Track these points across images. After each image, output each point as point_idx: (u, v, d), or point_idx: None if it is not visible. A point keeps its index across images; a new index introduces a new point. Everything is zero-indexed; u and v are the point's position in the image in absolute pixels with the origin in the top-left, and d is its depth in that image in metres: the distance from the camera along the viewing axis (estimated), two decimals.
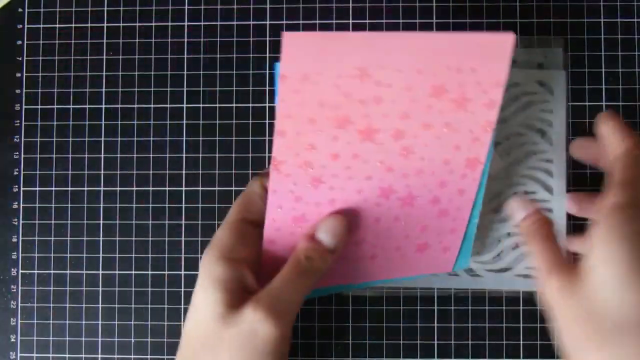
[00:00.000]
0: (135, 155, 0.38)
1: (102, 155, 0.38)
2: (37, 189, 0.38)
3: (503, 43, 0.28)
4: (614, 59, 0.37)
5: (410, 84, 0.28)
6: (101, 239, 0.37)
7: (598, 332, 0.25)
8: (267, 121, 0.37)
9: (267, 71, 0.38)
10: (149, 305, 0.37)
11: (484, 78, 0.29)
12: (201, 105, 0.38)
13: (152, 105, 0.38)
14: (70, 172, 0.38)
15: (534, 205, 0.33)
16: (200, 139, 0.38)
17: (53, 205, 0.38)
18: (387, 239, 0.33)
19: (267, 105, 0.37)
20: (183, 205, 0.37)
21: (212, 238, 0.30)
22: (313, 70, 0.28)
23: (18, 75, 0.38)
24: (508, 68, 0.29)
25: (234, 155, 0.37)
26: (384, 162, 0.30)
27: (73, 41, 0.38)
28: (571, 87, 0.37)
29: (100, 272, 0.37)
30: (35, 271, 0.37)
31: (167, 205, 0.37)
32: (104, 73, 0.38)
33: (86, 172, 0.38)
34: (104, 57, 0.38)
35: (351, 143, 0.29)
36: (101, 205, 0.38)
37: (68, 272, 0.37)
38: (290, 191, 0.30)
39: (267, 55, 0.38)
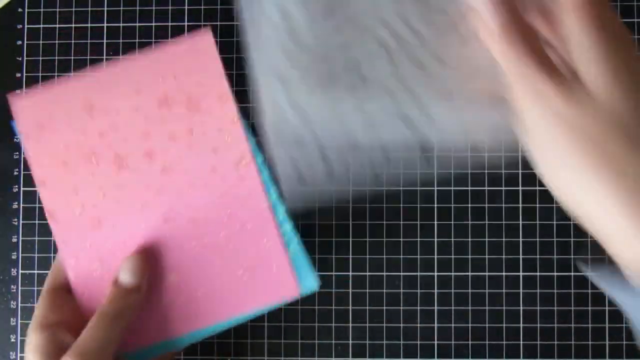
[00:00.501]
0: None
1: None
2: (37, 189, 0.38)
3: (203, 41, 0.31)
4: None
5: (135, 104, 0.31)
6: None
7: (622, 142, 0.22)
8: None
9: None
10: None
11: (202, 77, 0.31)
12: None
13: None
14: None
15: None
16: None
17: None
18: (202, 270, 0.31)
19: None
20: None
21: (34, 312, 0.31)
22: (46, 119, 0.31)
23: (18, 75, 0.38)
24: (219, 61, 0.31)
25: None
26: (150, 186, 0.31)
27: (73, 41, 0.38)
28: None
29: None
30: (35, 271, 0.37)
31: None
32: None
33: None
34: (104, 57, 0.38)
35: (109, 176, 0.31)
36: None
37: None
38: (77, 239, 0.31)
39: None
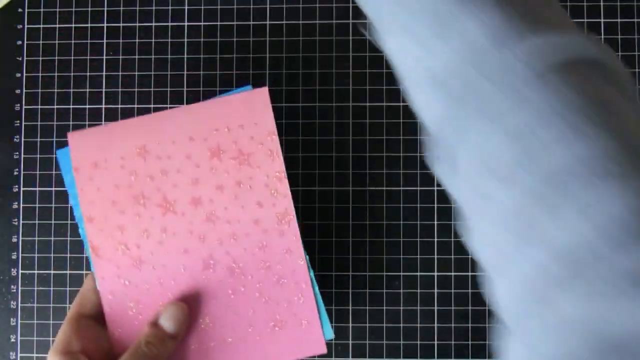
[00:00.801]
0: None
1: None
2: (37, 189, 0.38)
3: (259, 97, 0.32)
4: None
5: (188, 152, 0.32)
6: None
7: None
8: None
9: (267, 71, 0.38)
10: None
11: (255, 131, 0.31)
12: None
13: (152, 105, 0.38)
14: None
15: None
16: None
17: (53, 205, 0.38)
18: (233, 318, 0.32)
19: None
20: None
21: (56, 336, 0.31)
22: (100, 158, 0.31)
23: (18, 75, 0.38)
24: (272, 118, 0.31)
25: None
26: (193, 232, 0.32)
27: (73, 41, 0.38)
28: None
29: None
30: (35, 271, 0.37)
31: None
32: (104, 73, 0.38)
33: None
34: (104, 57, 0.38)
35: (155, 218, 0.31)
36: None
37: (68, 272, 0.37)
38: (117, 276, 0.32)
39: (267, 55, 0.38)
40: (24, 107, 0.38)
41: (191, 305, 0.32)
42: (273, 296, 0.32)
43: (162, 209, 0.31)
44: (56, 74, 0.38)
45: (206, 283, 0.32)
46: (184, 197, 0.31)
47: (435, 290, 0.37)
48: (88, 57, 0.38)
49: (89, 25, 0.38)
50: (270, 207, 0.31)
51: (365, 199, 0.37)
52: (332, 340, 0.33)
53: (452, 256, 0.37)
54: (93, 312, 0.32)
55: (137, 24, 0.38)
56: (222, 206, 0.31)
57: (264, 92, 0.32)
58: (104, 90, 0.38)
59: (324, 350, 0.32)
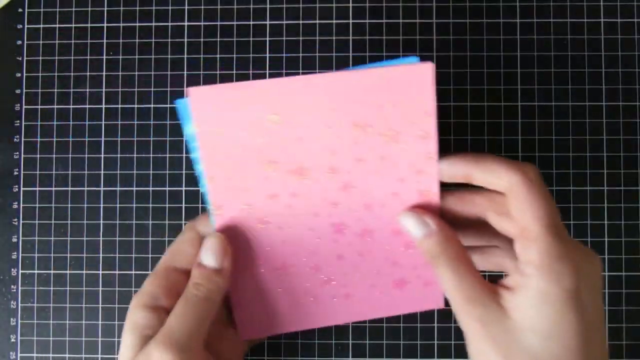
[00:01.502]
0: (135, 155, 0.38)
1: (102, 155, 0.38)
2: (37, 189, 0.38)
3: (422, 72, 0.28)
4: (614, 59, 0.37)
5: (327, 122, 0.29)
6: (101, 239, 0.37)
7: None
8: None
9: (267, 71, 0.38)
10: None
11: (410, 110, 0.29)
12: None
13: (152, 105, 0.38)
14: (70, 172, 0.38)
15: (435, 219, 0.29)
16: None
17: (53, 205, 0.38)
18: (357, 277, 0.32)
19: None
20: (183, 205, 0.37)
21: (142, 286, 0.30)
22: (227, 119, 0.29)
23: (18, 75, 0.38)
24: (433, 97, 0.29)
25: None
26: (326, 198, 0.30)
27: (73, 41, 0.38)
28: (571, 87, 0.37)
29: (100, 272, 0.37)
30: (35, 271, 0.37)
31: (167, 205, 0.37)
32: (104, 73, 0.38)
33: (86, 172, 0.38)
34: (104, 57, 0.38)
35: (284, 182, 0.30)
36: (101, 205, 0.38)
37: (68, 272, 0.37)
38: (239, 235, 0.31)
39: (267, 55, 0.38)
40: (23, 107, 0.38)
41: (316, 265, 0.32)
42: (399, 260, 0.32)
43: (294, 174, 0.30)
44: (56, 74, 0.38)
45: (333, 245, 0.31)
46: (319, 165, 0.30)
47: None
48: (88, 57, 0.38)
49: (89, 25, 0.38)
50: (412, 184, 0.30)
51: None
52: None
53: None
54: (185, 265, 0.31)
55: (137, 24, 0.38)
56: (360, 177, 0.30)
57: (427, 68, 0.28)
58: (104, 90, 0.38)
59: (442, 305, 0.33)
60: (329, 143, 0.29)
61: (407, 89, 0.28)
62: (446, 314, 0.36)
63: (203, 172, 0.30)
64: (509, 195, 0.27)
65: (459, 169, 0.29)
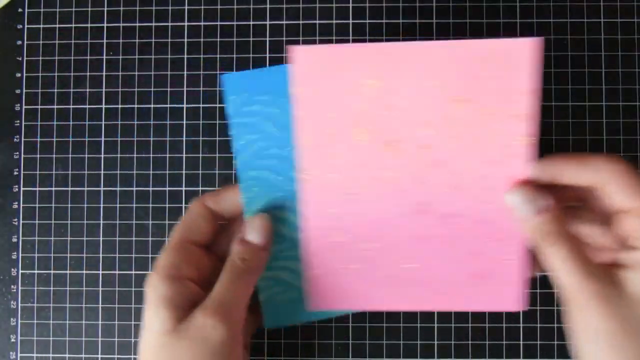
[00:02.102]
0: (135, 155, 0.38)
1: (102, 155, 0.38)
2: (37, 189, 0.38)
3: (526, 49, 0.27)
4: (614, 59, 0.37)
5: (425, 93, 0.28)
6: (101, 238, 0.37)
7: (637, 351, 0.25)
8: None
9: None
10: None
11: (507, 86, 0.28)
12: (201, 105, 0.38)
13: (152, 105, 0.38)
14: (70, 172, 0.38)
15: (547, 196, 0.28)
16: (200, 139, 0.38)
17: (53, 205, 0.38)
18: (436, 262, 0.31)
19: None
20: (183, 205, 0.37)
21: (156, 262, 0.30)
22: (326, 83, 0.29)
23: (18, 75, 0.38)
24: (532, 75, 0.28)
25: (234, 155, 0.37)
26: (413, 174, 0.30)
27: (73, 41, 0.38)
28: (571, 87, 0.37)
29: (101, 272, 0.37)
30: (35, 271, 0.37)
31: (167, 205, 0.37)
32: (104, 73, 0.38)
33: (86, 172, 0.38)
34: (104, 57, 0.38)
35: (374, 153, 0.30)
36: (101, 205, 0.38)
37: (68, 272, 0.37)
38: (324, 204, 0.31)
39: (267, 55, 0.38)
40: (23, 107, 0.38)
41: (396, 243, 0.31)
42: (481, 251, 0.31)
43: (385, 146, 0.29)
44: (56, 74, 0.38)
45: (416, 225, 0.31)
46: (411, 138, 0.29)
47: None
48: (88, 57, 0.38)
49: (89, 25, 0.38)
50: (501, 167, 0.29)
51: None
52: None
53: None
54: (200, 239, 0.32)
55: (137, 24, 0.38)
56: (451, 155, 0.29)
57: (533, 45, 0.27)
58: (104, 90, 0.38)
59: (520, 308, 0.31)
60: (424, 115, 0.29)
61: (507, 65, 0.28)
62: (446, 314, 0.36)
63: (297, 135, 0.30)
64: (609, 184, 0.27)
65: (549, 170, 0.28)
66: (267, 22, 0.38)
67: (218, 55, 0.38)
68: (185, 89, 0.38)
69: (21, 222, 0.38)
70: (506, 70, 0.28)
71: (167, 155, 0.38)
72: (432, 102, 0.29)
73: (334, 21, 0.38)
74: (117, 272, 0.37)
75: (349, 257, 0.32)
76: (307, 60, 0.28)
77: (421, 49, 0.28)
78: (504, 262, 0.31)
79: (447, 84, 0.28)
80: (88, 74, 0.38)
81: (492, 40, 0.28)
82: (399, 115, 0.29)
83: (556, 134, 0.36)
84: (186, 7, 0.38)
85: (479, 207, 0.30)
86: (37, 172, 0.38)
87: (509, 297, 0.31)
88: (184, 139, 0.38)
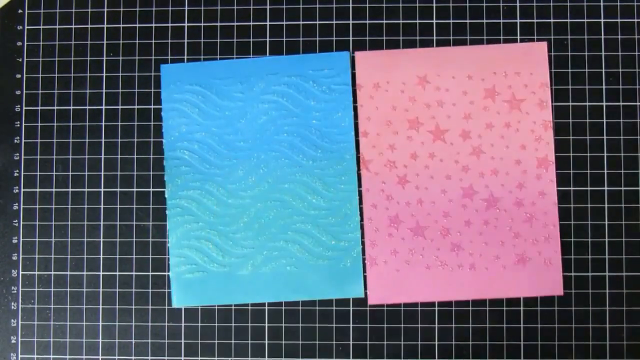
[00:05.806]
0: (135, 156, 0.38)
1: (103, 156, 0.38)
2: (38, 190, 0.38)
3: (539, 49, 0.35)
4: (614, 59, 0.37)
5: (464, 88, 0.35)
6: (102, 240, 0.37)
7: None
8: None
9: None
10: (150, 307, 0.37)
11: (529, 80, 0.35)
12: None
13: (152, 107, 0.38)
14: (70, 173, 0.38)
15: None
16: None
17: (53, 207, 0.38)
18: (482, 246, 0.35)
19: None
20: None
21: None
22: (382, 80, 0.35)
23: (18, 76, 0.38)
24: (547, 70, 0.35)
25: None
26: (458, 162, 0.35)
27: (73, 42, 0.38)
28: (571, 87, 0.37)
29: (101, 273, 0.37)
30: (36, 272, 0.37)
31: (167, 206, 0.37)
32: (104, 74, 0.38)
33: (86, 173, 0.38)
34: (104, 58, 0.38)
35: (425, 143, 0.35)
36: (101, 206, 0.38)
37: (68, 273, 0.37)
38: (381, 190, 0.35)
39: (267, 55, 0.38)
40: (24, 108, 0.38)
41: (446, 228, 0.35)
42: (522, 232, 0.35)
43: (434, 136, 0.35)
44: (56, 75, 0.38)
45: (462, 210, 0.35)
46: (455, 128, 0.35)
47: None
48: (88, 58, 0.38)
49: (89, 26, 0.38)
50: (532, 151, 0.35)
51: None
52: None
53: None
54: None
55: (137, 25, 0.38)
56: (488, 142, 0.35)
57: (543, 46, 0.35)
58: (104, 91, 0.38)
59: (561, 293, 0.35)
60: (463, 108, 0.35)
61: (527, 62, 0.35)
62: (446, 314, 0.36)
63: (359, 128, 0.35)
64: None
65: None
66: (267, 23, 0.38)
67: (218, 56, 0.38)
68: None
69: (21, 223, 0.38)
70: (527, 68, 0.35)
71: None
72: (469, 96, 0.35)
73: (334, 22, 0.38)
74: (117, 273, 0.37)
75: (404, 245, 0.35)
76: (367, 62, 0.35)
77: (454, 52, 0.35)
78: (542, 241, 0.34)
79: (478, 80, 0.35)
80: (88, 75, 0.38)
81: (514, 44, 0.35)
82: (445, 109, 0.35)
83: (556, 134, 0.36)
84: (186, 8, 0.38)
85: (517, 191, 0.34)
86: (37, 173, 0.38)
87: (550, 282, 0.35)
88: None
